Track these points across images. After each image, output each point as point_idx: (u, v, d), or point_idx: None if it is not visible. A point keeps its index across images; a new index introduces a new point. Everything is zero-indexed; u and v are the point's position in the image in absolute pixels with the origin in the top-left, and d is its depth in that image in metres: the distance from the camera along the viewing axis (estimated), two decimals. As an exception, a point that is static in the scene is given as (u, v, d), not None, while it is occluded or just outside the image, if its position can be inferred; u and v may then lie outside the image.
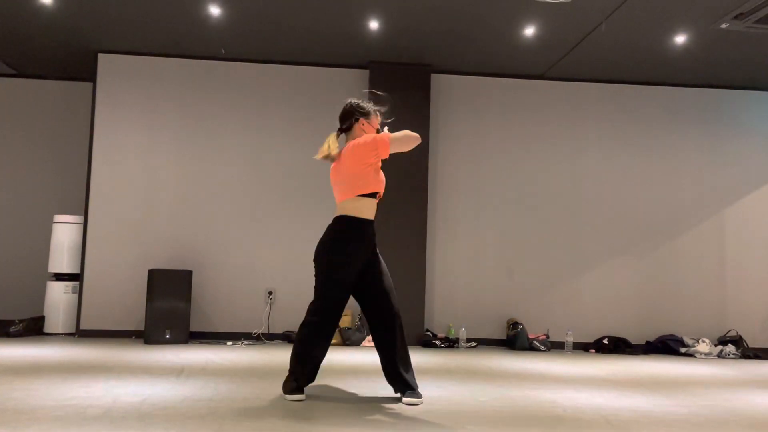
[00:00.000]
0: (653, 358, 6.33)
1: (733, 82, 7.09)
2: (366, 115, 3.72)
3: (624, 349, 6.58)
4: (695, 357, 6.47)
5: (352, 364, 5.04)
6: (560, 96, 7.11)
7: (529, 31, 5.92)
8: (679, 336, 6.76)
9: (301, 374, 3.55)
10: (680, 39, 5.97)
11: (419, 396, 3.56)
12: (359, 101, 3.77)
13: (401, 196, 6.65)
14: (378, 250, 3.70)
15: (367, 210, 3.61)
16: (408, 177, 6.72)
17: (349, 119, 3.73)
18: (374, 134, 3.61)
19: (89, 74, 6.84)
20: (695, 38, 5.95)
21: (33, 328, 6.38)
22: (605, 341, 6.65)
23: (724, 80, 7.04)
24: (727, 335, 6.83)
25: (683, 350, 6.58)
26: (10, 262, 7.16)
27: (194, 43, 6.46)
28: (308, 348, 3.53)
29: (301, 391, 3.55)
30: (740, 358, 6.51)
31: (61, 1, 5.55)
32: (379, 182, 3.65)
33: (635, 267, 6.99)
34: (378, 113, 3.78)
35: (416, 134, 3.57)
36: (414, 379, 3.64)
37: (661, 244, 7.04)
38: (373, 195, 3.62)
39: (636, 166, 7.11)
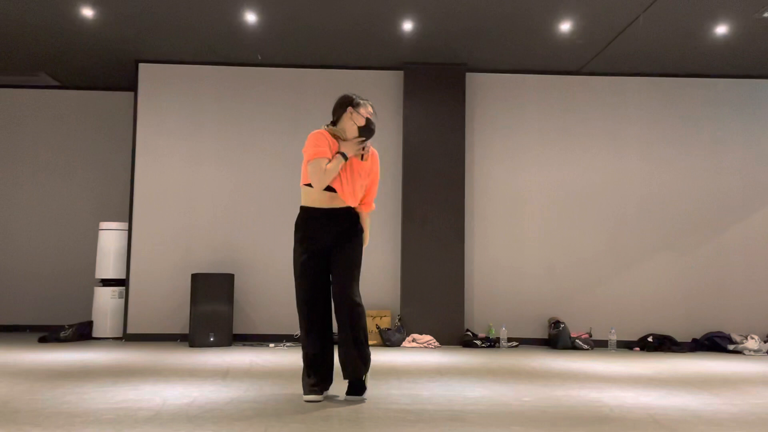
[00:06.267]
0: (700, 355, 6.20)
1: (777, 72, 6.92)
2: (356, 105, 3.76)
3: (670, 347, 6.46)
4: (744, 354, 6.32)
5: (394, 365, 5.06)
6: (599, 91, 7.01)
7: (566, 26, 5.85)
8: (727, 333, 6.61)
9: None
10: (721, 30, 5.84)
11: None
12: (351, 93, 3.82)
13: (438, 196, 6.65)
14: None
15: None
16: (445, 176, 6.71)
17: (339, 111, 3.79)
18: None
19: (130, 84, 6.99)
20: (736, 28, 5.81)
21: (82, 333, 6.55)
22: (650, 339, 6.54)
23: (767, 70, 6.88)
24: (777, 331, 6.67)
25: (731, 347, 6.43)
26: (59, 270, 7.37)
27: (232, 50, 6.55)
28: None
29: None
30: (791, 354, 6.36)
31: (101, 13, 5.70)
32: None
33: (680, 263, 6.86)
34: (368, 105, 3.78)
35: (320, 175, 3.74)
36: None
37: (707, 239, 6.89)
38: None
39: (678, 160, 6.97)
